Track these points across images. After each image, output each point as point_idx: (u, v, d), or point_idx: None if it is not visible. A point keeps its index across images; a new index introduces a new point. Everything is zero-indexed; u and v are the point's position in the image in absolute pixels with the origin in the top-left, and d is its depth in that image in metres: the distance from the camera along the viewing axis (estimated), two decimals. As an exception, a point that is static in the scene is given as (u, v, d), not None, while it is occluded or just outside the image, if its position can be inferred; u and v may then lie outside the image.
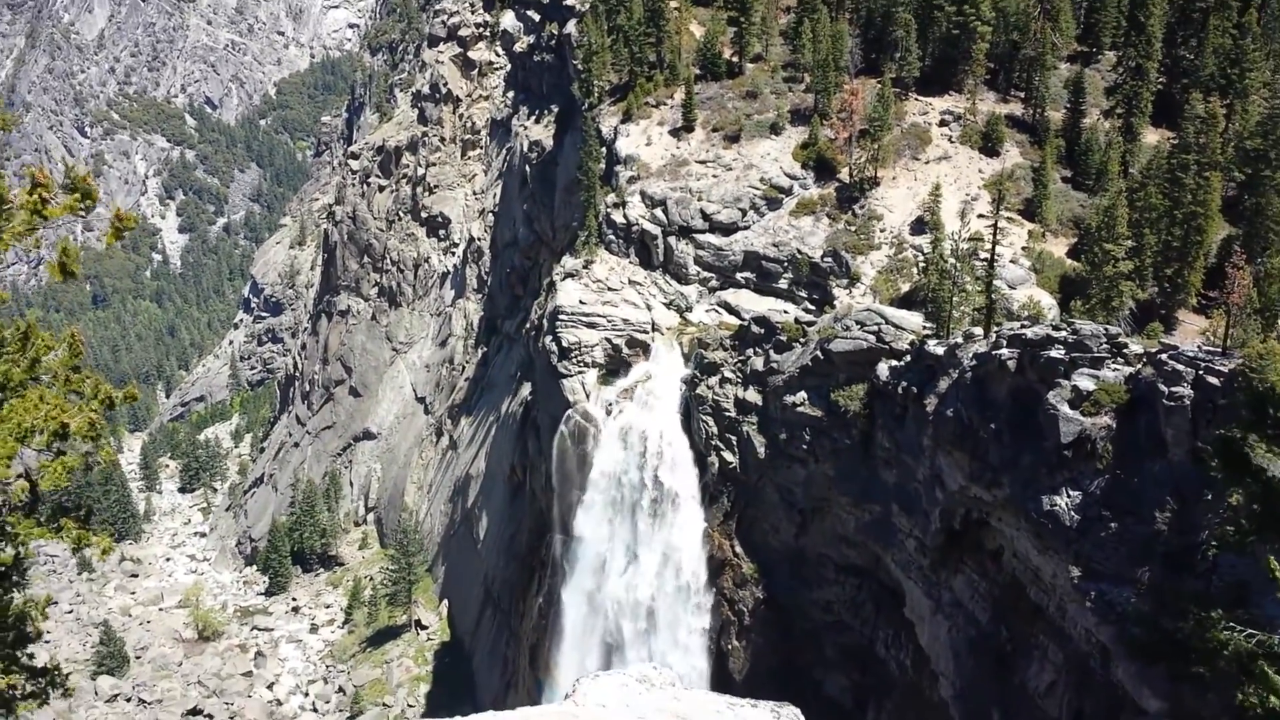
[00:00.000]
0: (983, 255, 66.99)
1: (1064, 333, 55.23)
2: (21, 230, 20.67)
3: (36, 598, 25.28)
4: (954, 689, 62.18)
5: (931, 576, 64.37)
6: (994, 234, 65.71)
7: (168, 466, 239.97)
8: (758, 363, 76.64)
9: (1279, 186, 65.80)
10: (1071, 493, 52.97)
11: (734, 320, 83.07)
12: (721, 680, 78.51)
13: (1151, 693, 47.55)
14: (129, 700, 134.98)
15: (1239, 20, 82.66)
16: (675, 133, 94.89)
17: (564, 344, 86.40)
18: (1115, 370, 53.55)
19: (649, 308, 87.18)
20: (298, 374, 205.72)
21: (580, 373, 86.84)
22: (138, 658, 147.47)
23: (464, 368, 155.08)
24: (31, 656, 24.17)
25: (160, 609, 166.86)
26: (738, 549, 79.00)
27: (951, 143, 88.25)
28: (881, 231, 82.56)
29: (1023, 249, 77.27)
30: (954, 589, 62.53)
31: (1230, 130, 73.92)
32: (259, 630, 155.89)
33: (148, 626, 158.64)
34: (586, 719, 21.26)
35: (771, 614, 77.56)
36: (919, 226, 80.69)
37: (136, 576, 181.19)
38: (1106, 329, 55.61)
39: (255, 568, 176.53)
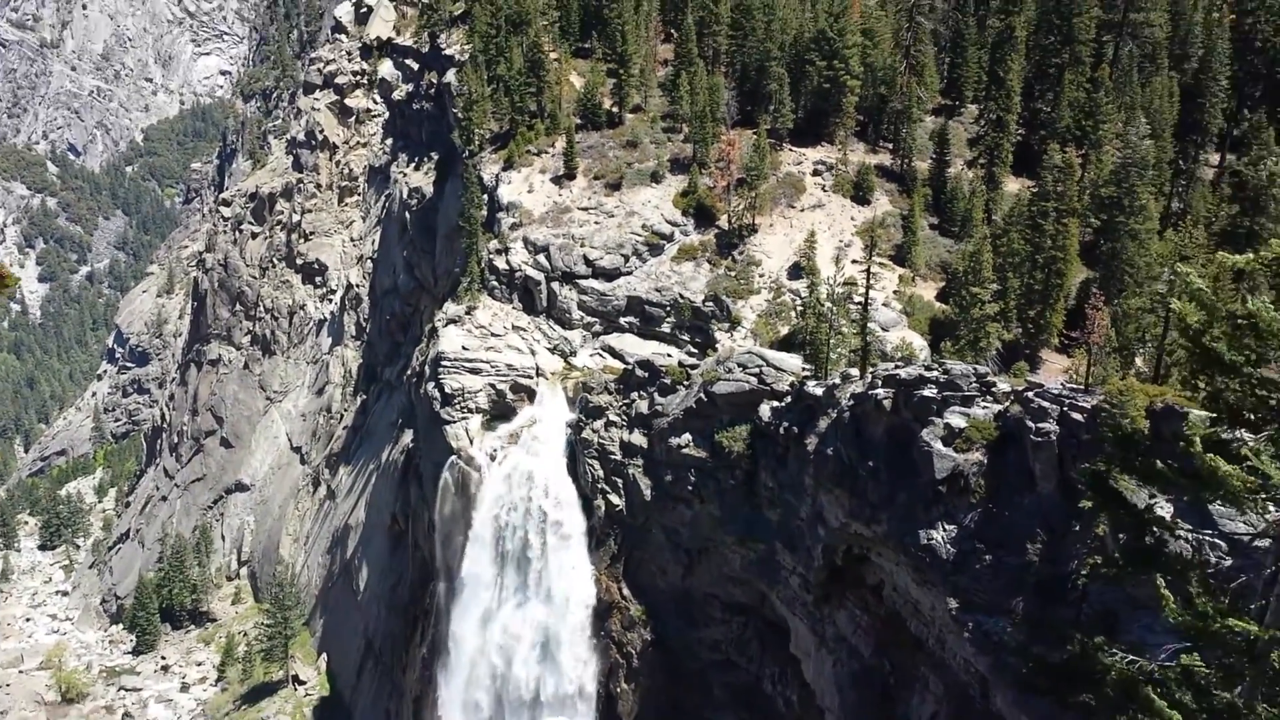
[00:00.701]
0: (857, 299, 69.10)
1: (935, 373, 57.27)
2: None
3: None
4: (839, 723, 63.34)
5: (815, 612, 65.62)
6: (867, 279, 67.87)
7: (27, 523, 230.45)
8: (642, 406, 77.51)
9: (1133, 231, 69.49)
10: (947, 527, 54.71)
11: (618, 364, 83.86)
12: (610, 725, 78.46)
13: None
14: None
15: (1092, 75, 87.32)
16: (557, 180, 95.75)
17: (447, 390, 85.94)
18: (985, 408, 55.76)
19: (533, 353, 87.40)
20: (165, 425, 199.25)
21: (464, 419, 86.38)
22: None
23: (342, 416, 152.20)
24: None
25: (20, 671, 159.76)
26: (625, 591, 79.23)
27: (825, 191, 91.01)
28: (760, 276, 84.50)
29: (894, 293, 79.91)
30: (837, 624, 63.84)
31: (1086, 179, 77.77)
32: (126, 690, 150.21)
33: (7, 690, 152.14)
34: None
35: (660, 656, 77.85)
36: (796, 272, 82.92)
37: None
38: (976, 369, 57.89)
39: (122, 626, 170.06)
